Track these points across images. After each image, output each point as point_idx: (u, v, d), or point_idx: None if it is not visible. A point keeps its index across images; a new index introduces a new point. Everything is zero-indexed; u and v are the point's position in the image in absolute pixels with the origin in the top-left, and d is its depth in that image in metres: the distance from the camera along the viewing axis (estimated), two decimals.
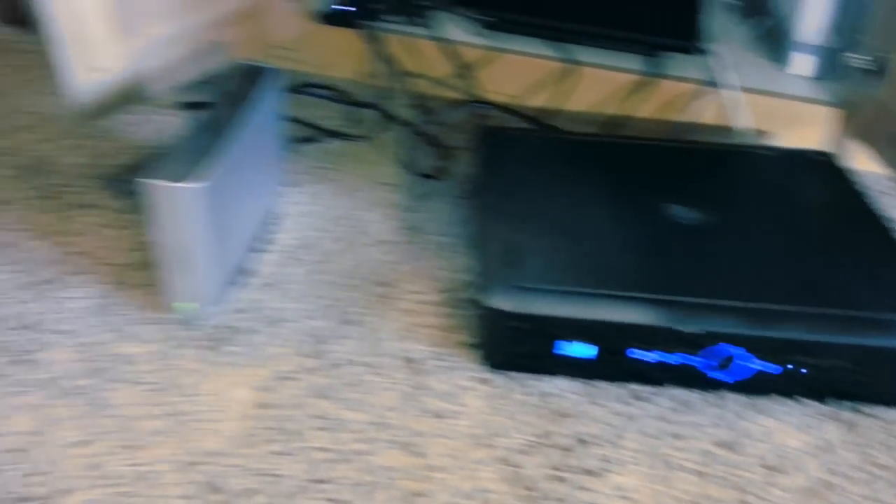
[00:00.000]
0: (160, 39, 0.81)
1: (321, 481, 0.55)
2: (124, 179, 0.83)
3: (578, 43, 1.03)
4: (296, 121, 0.96)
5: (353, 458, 0.57)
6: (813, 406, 0.64)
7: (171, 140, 0.90)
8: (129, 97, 0.79)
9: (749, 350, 0.62)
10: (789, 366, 0.63)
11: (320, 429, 0.59)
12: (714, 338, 0.62)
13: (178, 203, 0.60)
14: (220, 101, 0.69)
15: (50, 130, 0.89)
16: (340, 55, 1.07)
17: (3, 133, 0.88)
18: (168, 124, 0.93)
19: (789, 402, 0.64)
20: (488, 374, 0.65)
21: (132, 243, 0.75)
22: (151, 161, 0.87)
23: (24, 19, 1.08)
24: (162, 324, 0.66)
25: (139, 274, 0.71)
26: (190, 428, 0.58)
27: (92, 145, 0.88)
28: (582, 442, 0.60)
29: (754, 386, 0.64)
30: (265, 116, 0.74)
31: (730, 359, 0.63)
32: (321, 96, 1.02)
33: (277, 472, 0.56)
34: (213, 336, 0.66)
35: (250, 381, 0.62)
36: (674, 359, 0.63)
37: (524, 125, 0.99)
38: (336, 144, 0.93)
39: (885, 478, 0.59)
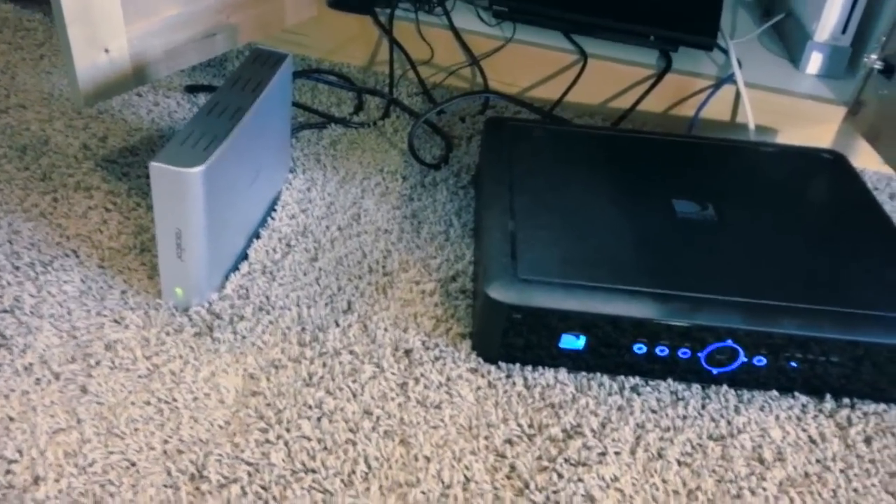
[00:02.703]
0: (168, 21, 0.80)
1: (308, 471, 0.54)
2: (122, 162, 0.82)
3: (594, 35, 1.02)
4: (299, 106, 0.95)
5: (343, 447, 0.56)
6: (807, 401, 0.63)
7: (176, 124, 0.89)
8: (133, 79, 0.78)
9: (747, 345, 0.61)
10: (786, 362, 0.62)
11: (311, 418, 0.58)
12: (712, 332, 0.61)
13: (177, 186, 0.59)
14: (229, 85, 0.68)
15: (50, 110, 0.88)
16: (348, 41, 1.05)
17: (2, 111, 0.87)
18: (173, 107, 0.92)
19: (784, 397, 0.63)
20: (483, 365, 0.63)
21: (126, 227, 0.74)
22: (152, 144, 0.86)
23: None
24: (153, 309, 0.65)
25: (132, 258, 0.70)
26: (176, 415, 0.57)
27: (93, 127, 0.87)
28: (573, 433, 0.58)
29: (749, 380, 0.63)
30: (274, 102, 0.73)
31: (727, 353, 0.62)
32: (326, 82, 1.01)
33: (264, 462, 0.54)
34: (206, 322, 0.64)
35: (241, 368, 0.61)
36: (671, 352, 0.62)
37: (532, 116, 0.97)
38: (339, 131, 0.92)
39: (872, 471, 0.57)
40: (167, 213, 0.60)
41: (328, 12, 1.04)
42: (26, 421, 0.55)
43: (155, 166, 0.58)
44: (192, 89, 0.96)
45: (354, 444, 0.56)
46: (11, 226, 0.72)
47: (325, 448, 0.56)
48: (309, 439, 0.56)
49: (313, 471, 0.54)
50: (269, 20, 0.95)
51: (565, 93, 0.99)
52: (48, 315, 0.63)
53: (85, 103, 0.75)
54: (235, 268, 0.70)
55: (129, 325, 0.63)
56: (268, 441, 0.56)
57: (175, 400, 0.58)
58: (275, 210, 0.78)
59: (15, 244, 0.70)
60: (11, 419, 0.55)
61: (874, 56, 0.89)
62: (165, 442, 0.55)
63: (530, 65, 1.01)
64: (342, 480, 0.54)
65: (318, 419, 0.58)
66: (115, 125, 0.87)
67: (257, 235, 0.74)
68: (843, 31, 0.98)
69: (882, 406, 0.63)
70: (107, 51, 0.75)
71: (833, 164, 0.82)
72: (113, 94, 0.78)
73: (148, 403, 0.57)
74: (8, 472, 0.52)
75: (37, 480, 0.51)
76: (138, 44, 0.78)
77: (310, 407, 0.58)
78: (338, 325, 0.66)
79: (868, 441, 0.60)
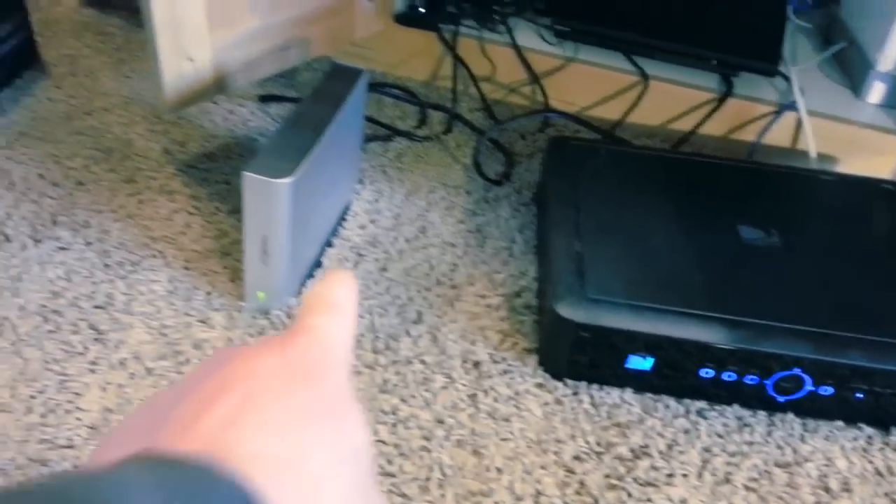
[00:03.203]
0: (248, 32, 0.83)
1: (386, 475, 0.56)
2: (201, 167, 0.85)
3: (655, 58, 1.03)
4: (366, 118, 0.98)
5: (418, 453, 0.58)
6: (873, 433, 0.64)
7: (250, 132, 0.92)
8: (214, 88, 0.81)
9: (813, 374, 0.62)
10: (852, 392, 0.63)
11: (387, 423, 0.60)
12: (779, 360, 0.62)
13: (267, 195, 0.61)
14: (312, 98, 0.71)
15: (131, 114, 0.92)
16: (413, 56, 1.08)
17: (87, 114, 0.91)
18: (247, 116, 0.95)
19: (850, 428, 0.64)
20: (550, 381, 0.65)
21: (208, 231, 0.77)
22: (229, 151, 0.89)
23: (107, 0, 1.12)
24: (236, 311, 0.68)
25: (214, 261, 0.73)
26: None
27: (172, 132, 0.90)
28: (641, 454, 0.60)
29: (815, 409, 0.64)
30: (352, 116, 0.75)
31: (794, 381, 0.63)
32: (392, 95, 1.03)
33: None
34: (285, 326, 0.67)
35: None
36: (738, 378, 0.63)
37: (594, 136, 0.99)
38: (404, 144, 0.94)
39: None
40: (256, 219, 0.63)
41: (394, 27, 1.07)
42: (123, 413, 0.58)
43: (248, 176, 0.61)
44: (265, 99, 0.99)
45: (429, 451, 0.58)
46: (101, 225, 0.76)
47: (402, 454, 0.58)
48: (386, 444, 0.58)
49: (391, 475, 0.56)
50: (339, 34, 0.98)
51: (627, 113, 1.01)
52: (139, 313, 0.67)
53: (169, 110, 0.79)
54: (311, 274, 0.73)
55: (215, 325, 0.66)
56: None
57: None
58: (345, 220, 0.81)
59: (105, 243, 0.73)
60: (110, 410, 0.58)
61: None
62: None
63: (591, 84, 1.03)
64: (419, 486, 0.56)
65: (394, 425, 0.60)
66: (193, 131, 0.91)
67: (330, 244, 0.77)
68: None
69: None
70: (191, 60, 0.79)
71: (895, 196, 0.83)
72: (194, 103, 0.81)
73: None
74: None
75: None
76: (221, 54, 0.81)
77: (385, 412, 0.61)
78: (409, 334, 0.68)
79: None
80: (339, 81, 0.75)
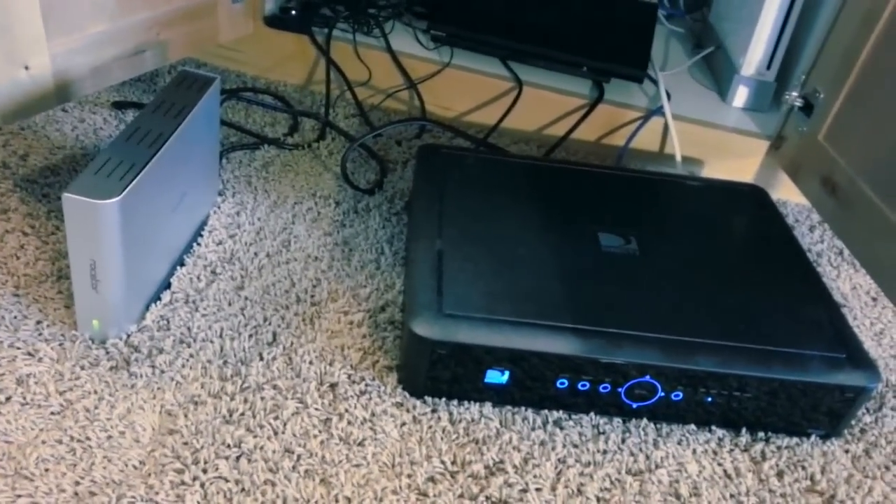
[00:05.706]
0: (94, 37, 0.78)
1: None
2: (43, 182, 0.79)
3: (529, 63, 1.03)
4: (232, 126, 0.93)
5: (261, 489, 0.55)
6: (724, 434, 0.65)
7: (101, 141, 0.87)
8: (56, 97, 0.76)
9: (663, 381, 0.63)
10: (703, 397, 0.64)
11: (229, 458, 0.57)
12: (631, 368, 0.62)
13: (91, 218, 0.57)
14: (151, 109, 0.67)
15: None
16: (285, 59, 1.04)
17: None
18: (99, 124, 0.89)
19: (702, 430, 0.65)
20: (409, 400, 0.63)
21: (44, 252, 0.71)
22: (75, 163, 0.83)
23: None
24: (69, 341, 0.63)
25: (48, 286, 0.68)
26: (89, 455, 0.55)
27: (13, 143, 0.84)
28: (496, 470, 0.59)
29: (669, 414, 0.65)
30: (200, 127, 0.71)
31: (646, 388, 0.63)
32: (260, 104, 0.99)
33: None
34: (123, 356, 0.63)
35: (158, 405, 0.60)
36: (592, 387, 0.63)
37: (466, 144, 0.98)
38: (273, 152, 0.91)
39: None
40: (81, 244, 0.58)
41: (265, 30, 1.03)
42: None
43: (68, 197, 0.56)
44: (120, 105, 0.93)
45: (273, 484, 0.55)
46: None
47: (243, 489, 0.55)
48: (226, 480, 0.55)
49: None
50: (202, 37, 0.94)
51: (500, 120, 1.00)
52: None
53: (3, 121, 0.73)
54: (157, 297, 0.69)
55: (43, 358, 0.61)
56: (183, 483, 0.54)
57: (88, 438, 0.56)
58: (201, 235, 0.76)
59: None
60: None
61: (794, 94, 0.92)
62: (77, 483, 0.53)
63: (467, 90, 1.02)
64: None
65: (237, 459, 0.57)
66: (37, 142, 0.84)
67: (182, 262, 0.73)
68: (768, 67, 1.02)
69: (795, 440, 0.66)
70: (27, 68, 0.73)
71: (753, 199, 0.85)
72: (34, 113, 0.75)
73: (60, 442, 0.55)
74: None
75: None
76: (61, 61, 0.76)
77: (228, 446, 0.57)
78: (262, 358, 0.65)
79: (780, 475, 0.62)
80: (185, 90, 0.71)
